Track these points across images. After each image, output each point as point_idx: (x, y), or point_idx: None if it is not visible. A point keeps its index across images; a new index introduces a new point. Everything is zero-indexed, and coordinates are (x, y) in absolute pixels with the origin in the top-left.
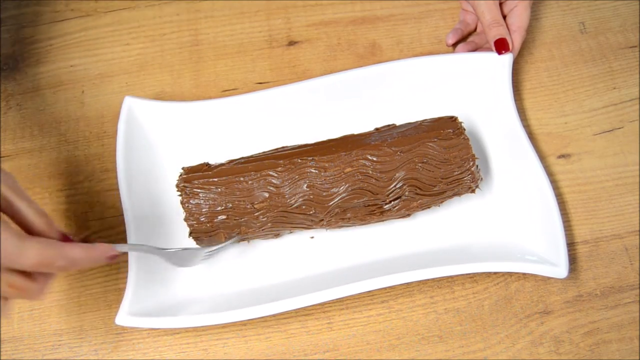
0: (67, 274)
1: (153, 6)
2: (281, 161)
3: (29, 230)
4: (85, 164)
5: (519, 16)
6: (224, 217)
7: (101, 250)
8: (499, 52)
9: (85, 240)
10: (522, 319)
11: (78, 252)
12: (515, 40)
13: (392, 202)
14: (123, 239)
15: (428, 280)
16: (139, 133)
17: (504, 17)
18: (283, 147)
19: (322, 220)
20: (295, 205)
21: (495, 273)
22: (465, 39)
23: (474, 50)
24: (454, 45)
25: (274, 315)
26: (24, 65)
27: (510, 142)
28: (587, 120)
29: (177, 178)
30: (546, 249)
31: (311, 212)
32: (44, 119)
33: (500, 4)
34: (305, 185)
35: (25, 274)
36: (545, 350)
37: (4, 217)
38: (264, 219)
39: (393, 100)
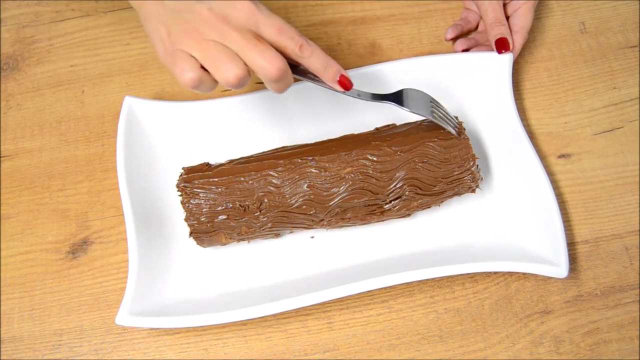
0: (67, 273)
1: None
2: (281, 161)
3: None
4: (85, 164)
5: (522, 17)
6: (224, 217)
7: (336, 68)
8: (499, 51)
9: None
10: (522, 319)
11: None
12: (517, 40)
13: (392, 202)
14: (123, 239)
15: (428, 280)
16: (139, 133)
17: (507, 17)
18: (283, 147)
19: (323, 220)
20: (295, 205)
21: (495, 273)
22: (464, 37)
23: (474, 46)
24: (453, 40)
25: (274, 315)
26: (24, 65)
27: (510, 142)
28: (587, 120)
29: (178, 178)
30: (546, 248)
31: (311, 212)
32: (44, 119)
33: (505, 5)
34: (306, 185)
35: None
36: (546, 350)
37: None
38: (264, 219)
39: None
